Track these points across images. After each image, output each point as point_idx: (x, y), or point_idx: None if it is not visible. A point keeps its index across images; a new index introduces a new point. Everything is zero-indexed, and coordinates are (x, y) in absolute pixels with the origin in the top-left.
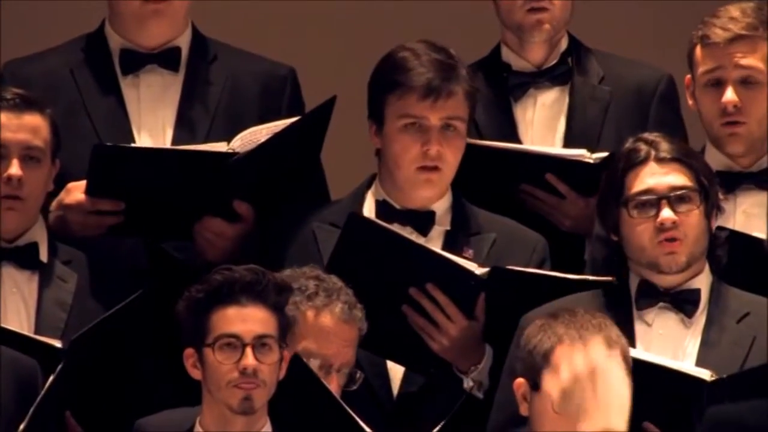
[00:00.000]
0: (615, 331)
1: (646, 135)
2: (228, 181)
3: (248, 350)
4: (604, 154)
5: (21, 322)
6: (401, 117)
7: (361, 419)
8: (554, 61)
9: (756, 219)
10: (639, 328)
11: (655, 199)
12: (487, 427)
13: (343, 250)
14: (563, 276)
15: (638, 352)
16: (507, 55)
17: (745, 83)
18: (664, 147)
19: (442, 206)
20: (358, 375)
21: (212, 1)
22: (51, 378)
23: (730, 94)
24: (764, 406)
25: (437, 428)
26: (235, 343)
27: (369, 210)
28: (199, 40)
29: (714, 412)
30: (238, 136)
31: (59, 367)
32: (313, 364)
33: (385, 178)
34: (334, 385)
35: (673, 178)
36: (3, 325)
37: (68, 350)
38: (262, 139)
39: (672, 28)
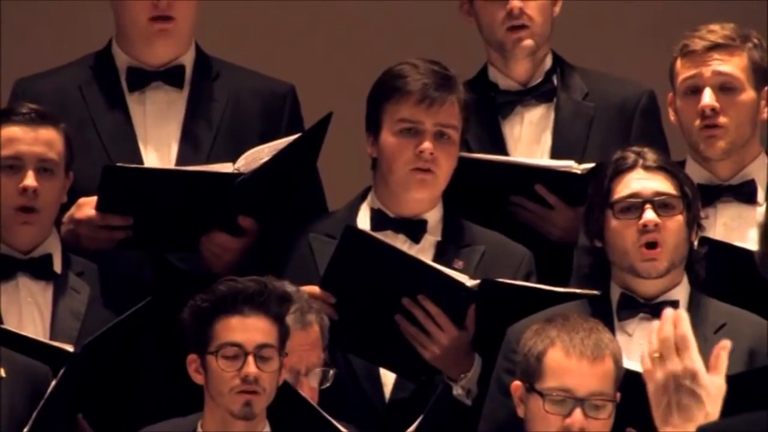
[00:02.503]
0: (607, 335)
1: (635, 146)
2: (233, 200)
3: (250, 359)
4: (591, 165)
5: (36, 331)
6: (397, 122)
7: (355, 423)
8: (539, 79)
9: (736, 231)
10: (620, 338)
11: (640, 203)
12: None
13: (338, 262)
14: (550, 288)
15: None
16: (494, 74)
17: (723, 89)
18: (651, 157)
19: (434, 217)
20: (331, 373)
21: (215, 22)
22: (54, 381)
23: (707, 98)
24: (756, 419)
25: (415, 423)
26: (237, 352)
27: (364, 219)
28: (202, 58)
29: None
30: (242, 156)
31: (62, 371)
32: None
33: (380, 187)
34: (306, 388)
35: (659, 184)
36: (19, 332)
37: (80, 355)
38: (265, 158)
39: (654, 45)
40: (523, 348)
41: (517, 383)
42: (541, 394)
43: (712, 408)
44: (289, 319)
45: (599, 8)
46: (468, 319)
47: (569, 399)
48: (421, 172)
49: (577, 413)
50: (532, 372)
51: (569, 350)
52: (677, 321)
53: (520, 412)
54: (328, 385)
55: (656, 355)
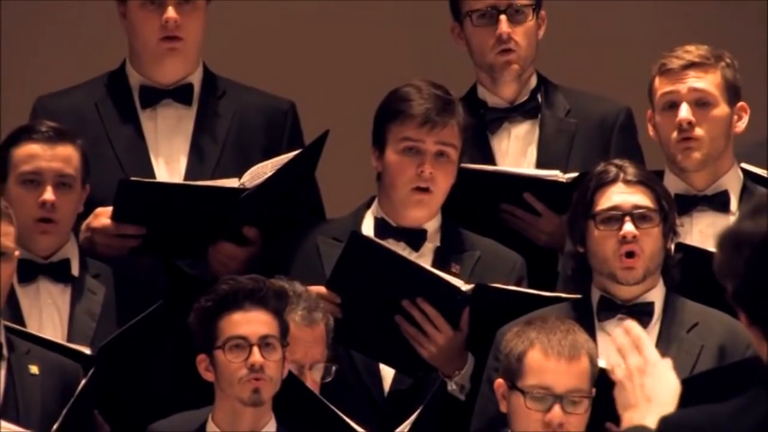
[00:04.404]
0: (583, 336)
1: (616, 160)
2: (240, 212)
3: (254, 349)
4: (575, 174)
5: (55, 330)
6: (401, 141)
7: (356, 414)
8: (525, 98)
9: (710, 238)
10: (600, 337)
11: (620, 215)
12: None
13: (344, 265)
14: (538, 293)
15: (599, 361)
16: (483, 93)
17: (699, 104)
18: (631, 171)
19: (433, 226)
20: (333, 369)
21: (221, 43)
22: (83, 382)
23: (684, 112)
24: (715, 410)
25: (414, 416)
26: (242, 344)
27: (368, 226)
28: (209, 77)
29: (669, 418)
30: (248, 172)
31: (90, 372)
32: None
33: (383, 199)
34: (309, 381)
35: (638, 198)
36: (40, 335)
37: (97, 356)
38: (268, 173)
39: (632, 65)
40: (505, 349)
41: (499, 381)
42: (522, 391)
43: (670, 395)
44: (297, 317)
45: (581, 32)
46: (462, 321)
47: (549, 396)
48: (419, 192)
49: (556, 409)
50: (513, 371)
51: (548, 351)
52: (628, 330)
53: (503, 407)
54: (329, 379)
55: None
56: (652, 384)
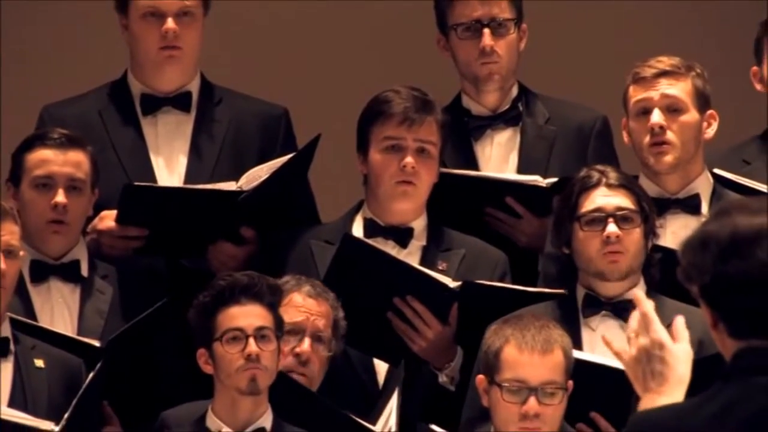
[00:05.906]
0: (557, 331)
1: (598, 165)
2: (237, 213)
3: (251, 340)
4: (555, 179)
5: (66, 327)
6: (383, 140)
7: (352, 408)
8: (507, 106)
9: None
10: (585, 333)
11: (604, 217)
12: (461, 421)
13: (338, 266)
14: (523, 289)
15: (583, 354)
16: (467, 101)
17: (670, 110)
18: (613, 175)
19: (419, 225)
20: (333, 343)
21: (218, 53)
22: (91, 374)
23: (656, 117)
24: (678, 406)
25: (393, 402)
26: (239, 336)
27: (358, 227)
28: (206, 85)
29: (636, 416)
30: (244, 175)
31: (98, 365)
32: (289, 335)
33: (371, 199)
34: (307, 347)
35: (620, 200)
36: (50, 328)
37: (105, 350)
38: (264, 177)
39: (608, 75)
40: (484, 345)
41: (480, 377)
42: (499, 385)
43: (683, 369)
44: (303, 290)
45: (561, 44)
46: (451, 316)
47: (524, 388)
48: (404, 184)
49: (532, 401)
50: (491, 367)
51: (521, 345)
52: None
53: (485, 402)
54: (330, 354)
55: (632, 335)
56: (662, 369)
